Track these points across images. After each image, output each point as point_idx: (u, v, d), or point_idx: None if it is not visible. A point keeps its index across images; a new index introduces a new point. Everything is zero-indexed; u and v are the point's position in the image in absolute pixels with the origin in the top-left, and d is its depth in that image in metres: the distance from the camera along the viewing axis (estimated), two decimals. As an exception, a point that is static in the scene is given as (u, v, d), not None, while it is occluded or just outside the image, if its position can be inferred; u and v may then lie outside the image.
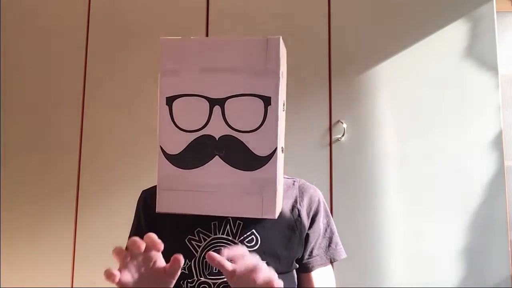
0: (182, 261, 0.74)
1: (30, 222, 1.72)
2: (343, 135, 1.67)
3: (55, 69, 1.79)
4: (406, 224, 1.63)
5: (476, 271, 1.59)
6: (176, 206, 0.85)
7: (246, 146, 0.83)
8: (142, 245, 0.71)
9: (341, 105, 1.69)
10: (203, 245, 0.92)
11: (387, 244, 1.62)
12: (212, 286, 0.89)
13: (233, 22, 1.76)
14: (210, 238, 0.92)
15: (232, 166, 0.83)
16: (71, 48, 1.79)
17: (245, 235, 0.92)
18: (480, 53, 1.67)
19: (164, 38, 0.85)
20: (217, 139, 0.83)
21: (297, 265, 0.98)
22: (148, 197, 1.00)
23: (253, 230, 0.92)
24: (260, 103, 0.82)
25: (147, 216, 0.99)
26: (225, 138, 0.83)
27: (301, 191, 1.01)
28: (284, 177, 0.99)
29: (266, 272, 0.74)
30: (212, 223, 0.93)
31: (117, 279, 0.69)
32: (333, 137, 1.68)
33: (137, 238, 0.71)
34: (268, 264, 0.90)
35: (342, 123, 1.67)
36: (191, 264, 0.91)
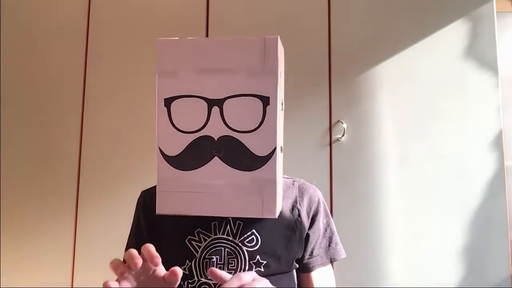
0: (180, 274, 0.73)
1: (30, 222, 1.72)
2: (343, 135, 1.67)
3: (55, 69, 1.79)
4: (406, 224, 1.63)
5: (476, 271, 1.59)
6: (176, 208, 0.85)
7: (245, 146, 0.82)
8: (139, 262, 0.69)
9: (341, 105, 1.69)
10: (203, 246, 0.92)
11: (387, 244, 1.62)
12: (213, 287, 0.89)
13: (233, 22, 1.76)
14: (211, 238, 0.92)
15: (232, 167, 0.83)
16: (71, 48, 1.79)
17: (245, 235, 0.92)
18: (480, 53, 1.67)
19: (161, 39, 0.85)
20: (216, 139, 0.83)
21: (297, 265, 0.98)
22: (147, 198, 1.00)
23: (253, 230, 0.92)
24: (259, 103, 0.82)
25: (147, 217, 0.99)
26: (224, 138, 0.83)
27: (301, 191, 1.01)
28: (283, 177, 0.98)
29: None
30: (212, 223, 0.93)
31: None
32: (333, 137, 1.68)
33: (134, 253, 0.70)
34: (268, 264, 0.90)
35: (342, 123, 1.67)
36: (191, 265, 0.91)
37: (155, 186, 0.88)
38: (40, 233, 1.71)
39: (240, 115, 0.83)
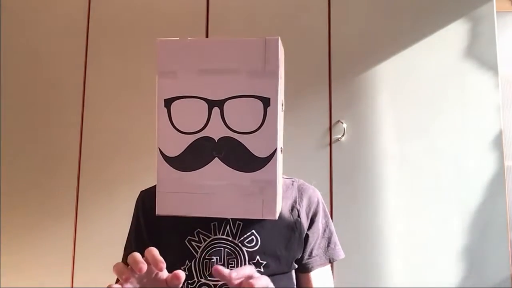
0: (183, 277, 0.72)
1: (30, 222, 1.72)
2: (343, 135, 1.67)
3: (55, 69, 1.79)
4: (406, 224, 1.63)
5: (476, 271, 1.59)
6: (176, 209, 0.85)
7: (246, 147, 0.82)
8: (144, 267, 0.69)
9: (341, 105, 1.69)
10: (203, 246, 0.92)
11: (387, 244, 1.62)
12: (213, 287, 0.89)
13: (233, 22, 1.76)
14: (210, 238, 0.92)
15: (232, 168, 0.83)
16: (71, 48, 1.79)
17: (245, 236, 0.92)
18: (480, 53, 1.67)
19: (161, 39, 0.84)
20: (216, 140, 0.83)
21: (296, 265, 0.98)
22: (146, 198, 0.99)
23: (253, 231, 0.92)
24: (260, 104, 0.82)
25: (146, 217, 0.99)
26: (224, 139, 0.83)
27: (300, 191, 1.01)
28: (283, 177, 0.98)
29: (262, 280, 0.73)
30: (212, 223, 0.93)
31: None
32: (333, 137, 1.68)
33: (139, 257, 0.70)
34: (268, 264, 0.90)
35: (342, 123, 1.67)
36: (191, 265, 0.91)
37: (154, 186, 0.88)
38: (40, 233, 1.71)
39: (240, 116, 0.82)
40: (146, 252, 0.71)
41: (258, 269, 0.90)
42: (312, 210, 0.99)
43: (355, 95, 1.69)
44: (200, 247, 0.92)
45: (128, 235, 1.02)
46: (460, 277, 1.59)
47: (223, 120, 0.83)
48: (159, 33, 1.66)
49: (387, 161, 1.66)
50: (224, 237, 0.92)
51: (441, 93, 1.67)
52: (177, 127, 0.84)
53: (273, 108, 0.82)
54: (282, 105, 0.87)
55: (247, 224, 0.92)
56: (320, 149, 1.68)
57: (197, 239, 0.92)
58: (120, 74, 1.77)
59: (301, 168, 1.64)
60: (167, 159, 0.84)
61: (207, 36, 1.76)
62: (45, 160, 1.74)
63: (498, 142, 1.64)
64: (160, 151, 0.84)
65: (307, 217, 0.98)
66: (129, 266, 0.71)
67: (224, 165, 0.83)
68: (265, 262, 0.91)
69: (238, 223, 0.93)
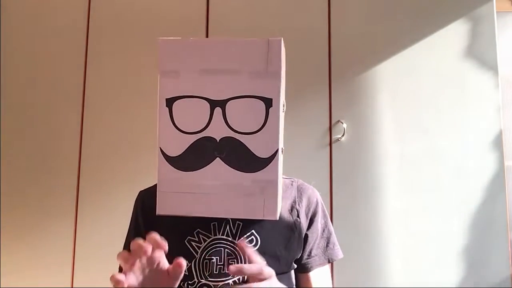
0: (184, 265, 0.73)
1: (30, 222, 1.72)
2: (343, 135, 1.67)
3: (55, 69, 1.79)
4: (406, 224, 1.63)
5: (476, 271, 1.59)
6: (176, 208, 0.84)
7: (247, 147, 0.82)
8: (149, 248, 0.70)
9: (341, 105, 1.69)
10: (203, 246, 0.92)
11: (387, 244, 1.63)
12: (213, 288, 0.89)
13: (233, 22, 1.76)
14: (210, 239, 0.92)
15: (233, 168, 0.83)
16: (71, 48, 1.79)
17: (245, 236, 0.92)
18: (480, 53, 1.68)
19: (163, 38, 0.84)
20: (218, 140, 0.83)
21: (295, 265, 0.98)
22: (146, 198, 0.99)
23: (253, 231, 0.92)
24: (261, 105, 0.82)
25: (146, 217, 0.98)
26: (226, 139, 0.83)
27: (300, 191, 1.01)
28: (282, 177, 0.98)
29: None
30: (211, 224, 0.93)
31: (126, 285, 0.69)
32: (333, 137, 1.68)
33: (142, 241, 0.71)
34: (267, 264, 0.90)
35: (342, 123, 1.67)
36: (191, 265, 0.91)
37: (153, 186, 0.88)
38: (40, 233, 1.71)
39: (242, 117, 0.82)
40: (147, 238, 0.72)
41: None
42: (312, 210, 1.00)
43: (355, 95, 1.69)
44: (200, 247, 0.92)
45: (127, 235, 1.02)
46: (460, 277, 1.59)
47: (225, 120, 0.82)
48: (159, 33, 1.66)
49: (387, 161, 1.66)
50: (224, 237, 0.92)
51: (441, 93, 1.67)
52: (178, 126, 0.84)
53: (275, 109, 0.82)
54: (284, 106, 0.87)
55: (247, 224, 0.92)
56: (320, 149, 1.68)
57: (197, 239, 0.92)
58: (120, 74, 1.76)
59: (301, 168, 1.64)
60: (168, 158, 0.84)
61: (207, 36, 1.76)
62: (45, 160, 1.74)
63: (498, 142, 1.64)
64: (161, 151, 0.84)
65: (307, 217, 0.98)
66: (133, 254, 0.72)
67: (226, 165, 0.83)
68: (264, 262, 0.91)
69: (238, 223, 0.93)
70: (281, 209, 0.94)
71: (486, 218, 1.61)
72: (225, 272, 0.89)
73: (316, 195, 1.02)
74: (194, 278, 0.90)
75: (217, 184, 0.83)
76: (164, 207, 0.85)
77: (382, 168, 1.66)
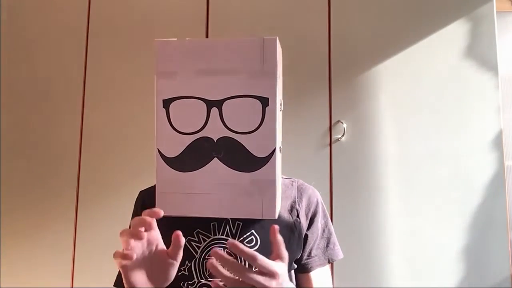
0: (183, 240, 0.74)
1: (30, 222, 1.72)
2: (343, 135, 1.67)
3: (55, 69, 1.79)
4: (406, 224, 1.63)
5: (476, 271, 1.59)
6: (175, 209, 0.85)
7: (245, 147, 0.82)
8: (152, 221, 0.73)
9: (341, 105, 1.69)
10: (202, 246, 0.92)
11: (387, 244, 1.62)
12: (212, 288, 0.89)
13: (233, 22, 1.76)
14: (210, 239, 0.92)
15: (231, 168, 0.83)
16: (71, 48, 1.79)
17: (245, 236, 0.92)
18: (480, 53, 1.67)
19: (159, 39, 0.85)
20: (215, 141, 0.83)
21: (296, 266, 0.98)
22: (146, 198, 0.99)
23: (253, 231, 0.92)
24: (258, 104, 0.82)
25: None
26: (223, 139, 0.83)
27: (300, 191, 1.01)
28: (282, 177, 0.99)
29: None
30: (211, 224, 0.93)
31: (134, 256, 0.70)
32: (333, 137, 1.68)
33: (141, 217, 0.72)
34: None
35: (342, 123, 1.67)
36: (191, 265, 0.91)
37: (153, 186, 0.88)
38: (40, 233, 1.71)
39: (239, 116, 0.82)
40: (142, 214, 0.73)
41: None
42: (312, 210, 0.99)
43: (355, 95, 1.69)
44: (200, 247, 0.92)
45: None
46: (460, 277, 1.59)
47: (221, 120, 0.83)
48: (159, 33, 1.67)
49: (387, 161, 1.66)
50: (224, 237, 0.92)
51: (441, 93, 1.67)
52: (176, 127, 0.84)
53: (271, 108, 0.82)
54: (281, 104, 0.87)
55: (247, 224, 0.92)
56: (320, 149, 1.68)
57: (196, 239, 0.92)
58: (120, 74, 1.77)
59: (301, 168, 1.64)
60: (166, 159, 0.84)
61: (207, 36, 1.76)
62: (45, 160, 1.75)
63: (498, 142, 1.64)
64: (159, 152, 0.84)
65: (306, 217, 0.98)
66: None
67: (223, 165, 0.83)
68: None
69: (238, 223, 0.93)
70: (281, 209, 0.94)
71: (486, 218, 1.61)
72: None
73: (316, 195, 1.02)
74: (194, 278, 0.90)
75: (215, 184, 0.83)
76: (163, 208, 0.85)
77: (382, 168, 1.66)
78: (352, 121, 1.68)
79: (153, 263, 0.76)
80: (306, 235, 0.97)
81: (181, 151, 0.84)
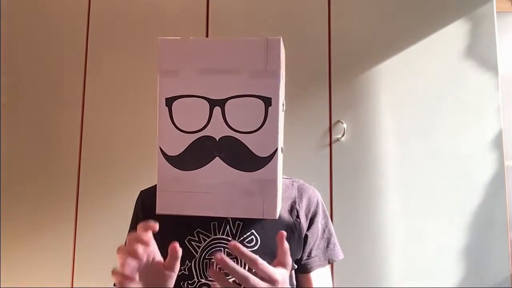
0: (180, 250, 0.73)
1: (30, 222, 1.72)
2: (343, 135, 1.67)
3: (55, 69, 1.79)
4: (406, 224, 1.63)
5: (476, 271, 1.59)
6: (176, 208, 0.85)
7: (247, 147, 0.82)
8: (149, 234, 0.71)
9: (341, 105, 1.69)
10: (203, 246, 0.92)
11: (387, 244, 1.62)
12: (213, 287, 0.89)
13: (233, 22, 1.76)
14: (210, 238, 0.92)
15: (233, 167, 0.83)
16: (71, 48, 1.79)
17: (245, 236, 0.92)
18: (480, 53, 1.67)
19: (163, 38, 0.85)
20: (217, 140, 0.83)
21: (296, 266, 0.98)
22: (146, 198, 0.99)
23: (253, 231, 0.92)
24: (261, 104, 0.82)
25: (146, 217, 0.98)
26: (225, 139, 0.83)
27: (300, 191, 1.01)
28: (283, 177, 0.99)
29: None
30: (211, 223, 0.93)
31: (136, 278, 0.69)
32: (333, 137, 1.68)
33: (136, 234, 0.71)
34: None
35: (342, 123, 1.67)
36: (191, 265, 0.91)
37: (154, 186, 0.88)
38: (40, 233, 1.71)
39: (241, 116, 0.82)
40: (138, 228, 0.72)
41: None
42: (312, 210, 0.99)
43: (355, 95, 1.69)
44: (200, 247, 0.92)
45: (127, 235, 1.02)
46: (460, 277, 1.59)
47: (224, 120, 0.83)
48: (158, 33, 1.66)
49: (387, 161, 1.66)
50: (224, 237, 0.92)
51: (441, 93, 1.67)
52: (178, 126, 0.84)
53: (274, 108, 0.82)
54: (283, 105, 0.88)
55: (247, 224, 0.92)
56: (320, 149, 1.68)
57: (197, 239, 0.92)
58: (120, 74, 1.76)
59: (301, 168, 1.64)
60: (168, 158, 0.84)
61: (207, 36, 1.76)
62: (45, 161, 1.74)
63: (498, 142, 1.64)
64: (161, 150, 0.84)
65: (307, 218, 0.98)
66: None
67: (225, 164, 0.83)
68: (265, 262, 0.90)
69: (238, 223, 0.93)
70: (281, 209, 0.94)
71: (486, 218, 1.61)
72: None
73: (316, 196, 1.02)
74: (194, 278, 0.90)
75: (217, 183, 0.83)
76: (163, 207, 0.85)
77: (382, 168, 1.66)
78: (352, 121, 1.68)
79: (150, 276, 0.74)
80: (306, 236, 0.98)
81: (183, 149, 0.84)
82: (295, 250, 0.96)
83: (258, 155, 0.82)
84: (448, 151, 1.65)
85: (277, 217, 0.84)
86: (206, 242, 0.92)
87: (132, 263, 0.71)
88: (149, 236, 0.72)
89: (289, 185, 1.01)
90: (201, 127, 0.83)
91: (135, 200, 1.03)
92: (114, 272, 0.70)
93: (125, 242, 1.01)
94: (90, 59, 1.78)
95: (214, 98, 0.83)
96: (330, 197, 1.65)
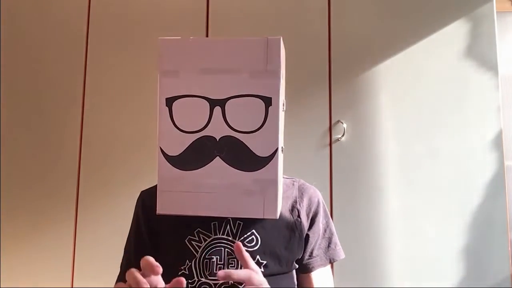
0: (184, 284, 0.70)
1: (30, 222, 1.71)
2: (343, 135, 1.67)
3: (55, 70, 1.79)
4: (406, 224, 1.63)
5: (476, 271, 1.59)
6: (177, 208, 0.85)
7: (247, 146, 0.82)
8: (144, 284, 0.68)
9: (341, 105, 1.69)
10: (203, 246, 0.92)
11: (387, 244, 1.62)
12: (213, 287, 0.89)
13: (233, 22, 1.76)
14: (210, 238, 0.92)
15: (233, 167, 0.83)
16: (71, 48, 1.79)
17: (245, 235, 0.92)
18: (480, 53, 1.67)
19: (164, 38, 0.85)
20: (217, 140, 0.83)
21: (297, 266, 0.98)
22: (146, 198, 0.99)
23: (253, 231, 0.92)
24: (261, 104, 0.82)
25: (146, 217, 0.98)
26: (226, 139, 0.83)
27: (301, 191, 1.01)
28: (283, 177, 0.99)
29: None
30: (212, 223, 0.93)
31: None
32: (333, 137, 1.68)
33: (135, 272, 0.69)
34: (268, 264, 0.90)
35: (342, 123, 1.67)
36: (191, 265, 0.91)
37: (154, 186, 0.88)
38: (40, 233, 1.71)
39: (242, 116, 0.83)
40: (142, 260, 0.69)
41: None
42: (313, 210, 0.99)
43: (355, 95, 1.69)
44: (200, 246, 0.92)
45: (128, 236, 1.02)
46: (460, 277, 1.59)
47: (224, 119, 0.83)
48: (158, 33, 1.66)
49: (387, 161, 1.66)
50: (224, 236, 0.92)
51: (441, 93, 1.67)
52: (178, 126, 0.84)
53: (274, 108, 0.82)
54: (283, 104, 0.88)
55: (247, 223, 0.92)
56: (320, 149, 1.68)
57: (197, 238, 0.92)
58: (120, 74, 1.76)
59: (301, 168, 1.64)
60: (168, 158, 0.84)
61: (207, 36, 1.76)
62: (45, 160, 1.74)
63: (498, 142, 1.64)
64: (161, 150, 0.84)
65: (308, 217, 0.98)
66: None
67: (226, 164, 0.83)
68: (265, 262, 0.91)
69: (239, 223, 0.93)
70: (282, 209, 0.94)
71: (486, 218, 1.61)
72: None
73: (317, 195, 1.02)
74: (194, 277, 0.90)
75: (217, 183, 0.83)
76: (164, 207, 0.85)
77: (382, 168, 1.66)
78: (352, 121, 1.68)
79: None
80: (307, 235, 0.97)
81: (183, 149, 0.84)
82: (296, 249, 0.96)
83: (258, 155, 0.83)
84: (448, 151, 1.65)
85: (277, 217, 0.84)
86: (207, 242, 0.92)
87: None
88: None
89: (290, 184, 1.01)
90: (202, 127, 0.83)
91: (136, 201, 1.03)
92: None
93: (125, 245, 1.01)
94: (90, 59, 1.78)
95: (214, 98, 0.83)
96: (330, 197, 1.65)
